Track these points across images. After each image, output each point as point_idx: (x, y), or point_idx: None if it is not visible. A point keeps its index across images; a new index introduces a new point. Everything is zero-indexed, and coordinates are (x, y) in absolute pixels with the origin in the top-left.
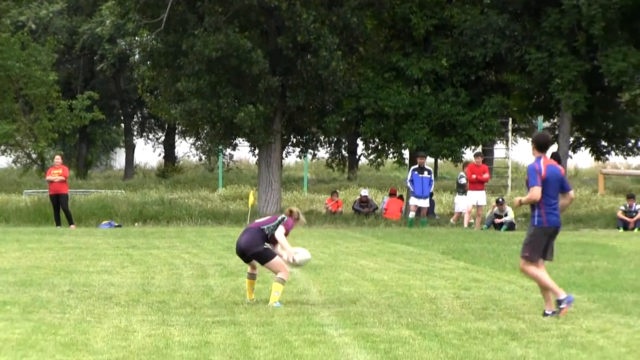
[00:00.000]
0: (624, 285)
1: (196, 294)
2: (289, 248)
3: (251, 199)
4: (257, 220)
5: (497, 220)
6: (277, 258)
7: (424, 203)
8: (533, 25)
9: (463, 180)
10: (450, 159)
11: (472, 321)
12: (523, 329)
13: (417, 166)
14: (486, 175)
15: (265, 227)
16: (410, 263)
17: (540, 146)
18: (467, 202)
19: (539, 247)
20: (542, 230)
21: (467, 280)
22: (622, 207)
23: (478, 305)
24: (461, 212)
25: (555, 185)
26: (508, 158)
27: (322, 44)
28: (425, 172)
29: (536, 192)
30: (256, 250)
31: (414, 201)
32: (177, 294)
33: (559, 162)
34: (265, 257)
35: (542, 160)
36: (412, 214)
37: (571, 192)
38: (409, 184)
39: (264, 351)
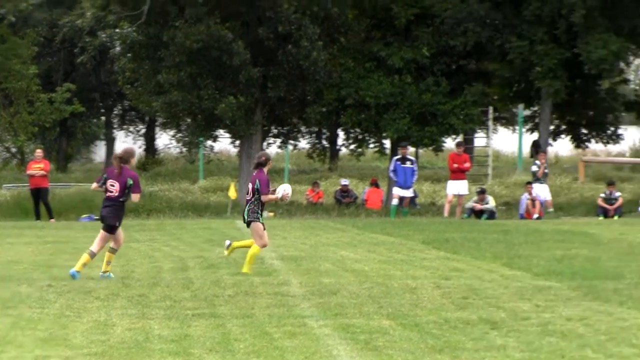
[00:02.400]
0: (604, 273)
1: (176, 286)
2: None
3: (232, 191)
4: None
5: (477, 207)
6: None
7: (407, 193)
8: (514, 13)
9: (535, 168)
10: (431, 148)
11: (452, 311)
12: (503, 318)
13: (399, 156)
14: (467, 165)
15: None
16: (391, 253)
17: None
18: (448, 192)
19: None
20: None
21: (447, 270)
22: (603, 195)
23: (458, 294)
24: (541, 200)
25: None
26: (489, 147)
27: (303, 34)
28: (408, 162)
29: None
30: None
31: (397, 191)
32: (157, 287)
33: (539, 149)
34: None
35: None
36: (395, 201)
37: None
38: (391, 174)
39: (244, 343)
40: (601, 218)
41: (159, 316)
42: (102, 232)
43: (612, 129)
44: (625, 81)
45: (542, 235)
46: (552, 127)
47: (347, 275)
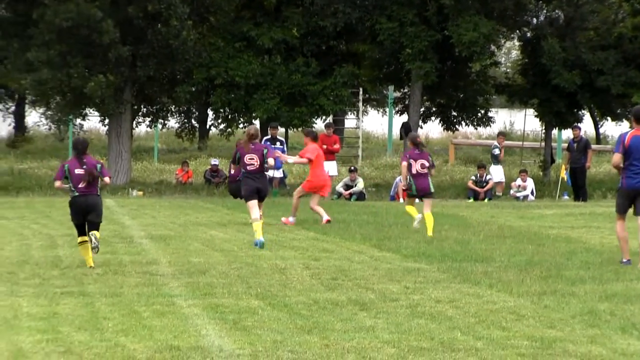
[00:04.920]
0: (474, 255)
1: (45, 264)
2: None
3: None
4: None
5: (345, 193)
6: None
7: (277, 173)
8: None
9: (497, 151)
10: (301, 129)
11: (321, 291)
12: (372, 299)
13: (269, 137)
14: (337, 146)
15: None
16: None
17: (637, 119)
18: None
19: (620, 204)
20: (620, 191)
21: (316, 251)
22: (473, 177)
23: (327, 275)
24: (500, 182)
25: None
26: (359, 128)
27: (173, 13)
28: (278, 143)
29: (614, 159)
30: None
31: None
32: (26, 265)
33: (409, 131)
34: None
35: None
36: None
37: None
38: None
39: (112, 322)
40: (471, 200)
41: (28, 294)
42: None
43: (483, 111)
44: (496, 64)
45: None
46: (422, 109)
47: (216, 255)
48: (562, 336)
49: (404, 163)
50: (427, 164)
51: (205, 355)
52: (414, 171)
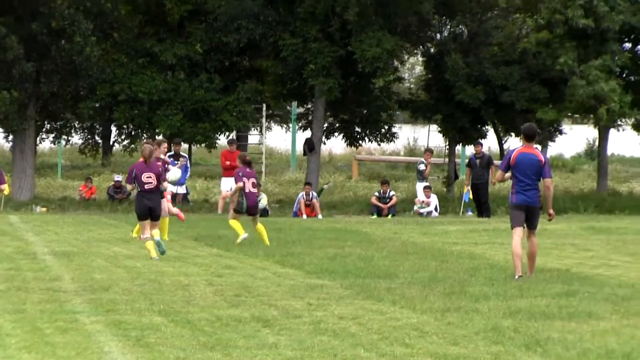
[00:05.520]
0: (377, 271)
1: None
2: None
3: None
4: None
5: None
6: None
7: (180, 189)
8: (287, 10)
9: (422, 167)
10: (204, 144)
11: (224, 308)
12: (275, 316)
13: (172, 152)
14: None
15: None
16: None
17: (526, 136)
18: (222, 188)
19: (514, 217)
20: (512, 206)
21: (220, 267)
22: (377, 193)
23: (230, 292)
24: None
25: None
26: (262, 144)
27: (77, 29)
28: (181, 159)
29: (497, 175)
30: None
31: (170, 187)
32: None
33: (312, 148)
34: None
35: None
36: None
37: (547, 180)
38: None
39: (15, 339)
40: (375, 217)
41: None
42: None
43: (386, 127)
44: (400, 79)
45: (315, 233)
46: (325, 125)
47: (119, 271)
48: (466, 353)
49: (240, 184)
50: (255, 182)
51: None
52: (246, 190)
